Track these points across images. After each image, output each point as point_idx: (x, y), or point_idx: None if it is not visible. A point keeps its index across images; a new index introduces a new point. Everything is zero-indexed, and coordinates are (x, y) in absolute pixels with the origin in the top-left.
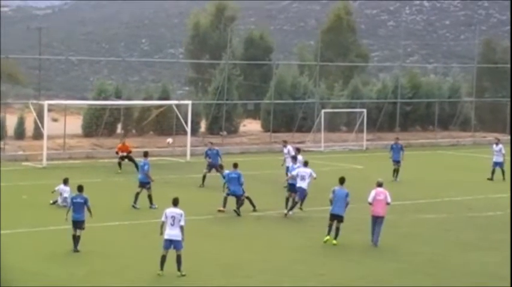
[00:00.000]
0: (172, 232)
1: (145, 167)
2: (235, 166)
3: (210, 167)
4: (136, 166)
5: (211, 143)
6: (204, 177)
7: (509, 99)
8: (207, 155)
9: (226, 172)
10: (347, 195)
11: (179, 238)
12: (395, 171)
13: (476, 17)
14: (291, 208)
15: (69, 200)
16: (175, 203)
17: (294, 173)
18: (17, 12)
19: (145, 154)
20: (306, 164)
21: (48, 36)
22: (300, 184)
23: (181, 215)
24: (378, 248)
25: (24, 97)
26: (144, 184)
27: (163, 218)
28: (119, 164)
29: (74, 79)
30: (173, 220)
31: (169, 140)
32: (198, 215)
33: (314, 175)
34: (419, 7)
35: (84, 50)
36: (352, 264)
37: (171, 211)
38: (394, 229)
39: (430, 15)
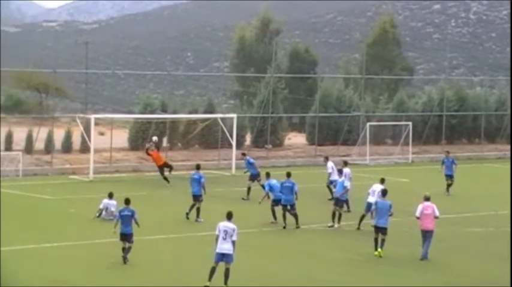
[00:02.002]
0: (224, 246)
1: (202, 179)
2: (289, 175)
3: (251, 177)
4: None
5: (243, 155)
6: (248, 189)
7: None
8: (245, 167)
9: (271, 180)
10: (390, 206)
11: (231, 252)
12: (449, 185)
13: None
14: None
15: (116, 213)
16: (229, 217)
17: (369, 190)
18: (64, 27)
19: (198, 167)
20: (382, 181)
21: (95, 51)
22: (370, 199)
23: (233, 230)
24: (425, 261)
25: (72, 111)
26: (198, 196)
27: (216, 232)
28: (165, 178)
29: (120, 93)
30: (225, 234)
31: (154, 138)
32: (243, 228)
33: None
34: (465, 20)
35: (130, 64)
36: (397, 277)
37: (224, 224)
38: (440, 242)
39: (476, 28)
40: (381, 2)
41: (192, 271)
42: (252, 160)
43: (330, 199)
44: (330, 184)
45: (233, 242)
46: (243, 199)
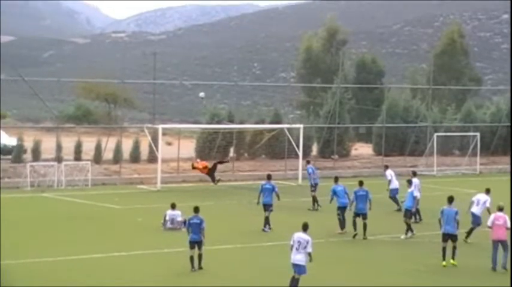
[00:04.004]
0: (296, 257)
1: (276, 189)
2: (361, 183)
3: (312, 187)
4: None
5: (308, 162)
6: (313, 198)
7: None
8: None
9: (338, 186)
10: (456, 213)
11: (303, 263)
12: None
13: None
14: (468, 234)
15: (181, 219)
16: (305, 228)
17: (473, 198)
18: (133, 38)
19: (269, 177)
20: (488, 191)
21: (162, 61)
22: (473, 209)
23: (307, 242)
24: (495, 273)
25: (139, 121)
26: (269, 206)
27: (291, 242)
28: (214, 179)
29: (188, 103)
30: (299, 245)
31: (201, 94)
32: None
33: (487, 205)
34: None
35: (197, 74)
36: None
37: (299, 235)
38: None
39: None
40: (449, 12)
41: (258, 281)
42: (310, 170)
43: (399, 210)
44: (392, 193)
45: (308, 254)
46: (309, 209)
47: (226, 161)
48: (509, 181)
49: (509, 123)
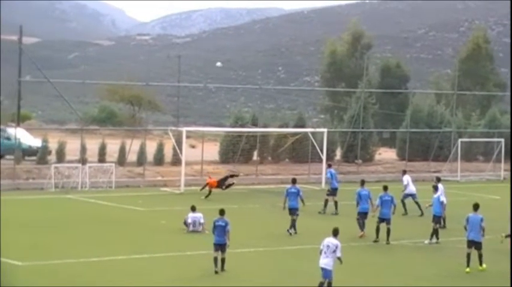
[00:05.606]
0: (323, 261)
1: (301, 193)
2: (385, 188)
3: (328, 191)
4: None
5: (329, 165)
6: (335, 203)
7: None
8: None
9: (363, 190)
10: (482, 220)
11: (329, 267)
12: None
13: None
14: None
15: (210, 224)
16: (335, 233)
17: None
18: (157, 41)
19: (294, 181)
20: None
21: (186, 64)
22: None
23: (336, 246)
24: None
25: (163, 124)
26: (295, 210)
27: (321, 246)
28: (226, 186)
29: (211, 106)
30: (327, 249)
31: (218, 63)
32: None
33: None
34: None
35: (221, 77)
36: None
37: (328, 240)
38: None
39: None
40: (474, 17)
41: (280, 284)
42: (329, 174)
43: (420, 214)
44: (405, 197)
45: (338, 258)
46: (332, 214)
47: (236, 175)
48: None
49: None
